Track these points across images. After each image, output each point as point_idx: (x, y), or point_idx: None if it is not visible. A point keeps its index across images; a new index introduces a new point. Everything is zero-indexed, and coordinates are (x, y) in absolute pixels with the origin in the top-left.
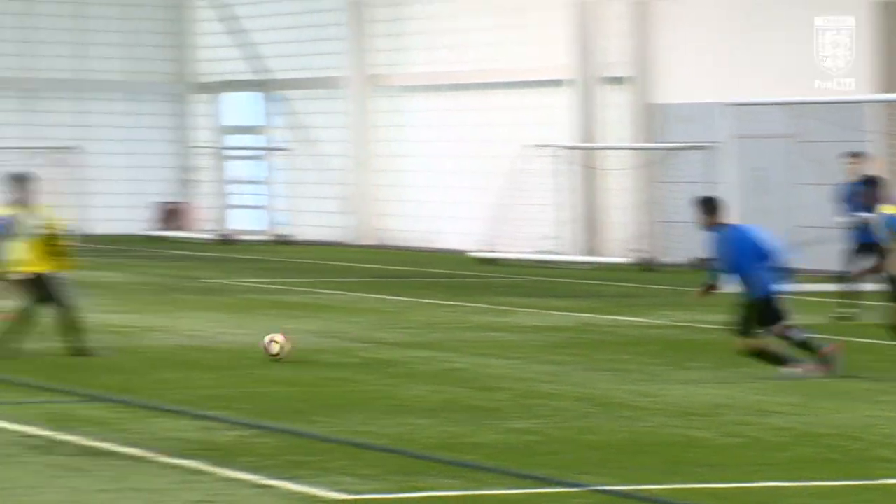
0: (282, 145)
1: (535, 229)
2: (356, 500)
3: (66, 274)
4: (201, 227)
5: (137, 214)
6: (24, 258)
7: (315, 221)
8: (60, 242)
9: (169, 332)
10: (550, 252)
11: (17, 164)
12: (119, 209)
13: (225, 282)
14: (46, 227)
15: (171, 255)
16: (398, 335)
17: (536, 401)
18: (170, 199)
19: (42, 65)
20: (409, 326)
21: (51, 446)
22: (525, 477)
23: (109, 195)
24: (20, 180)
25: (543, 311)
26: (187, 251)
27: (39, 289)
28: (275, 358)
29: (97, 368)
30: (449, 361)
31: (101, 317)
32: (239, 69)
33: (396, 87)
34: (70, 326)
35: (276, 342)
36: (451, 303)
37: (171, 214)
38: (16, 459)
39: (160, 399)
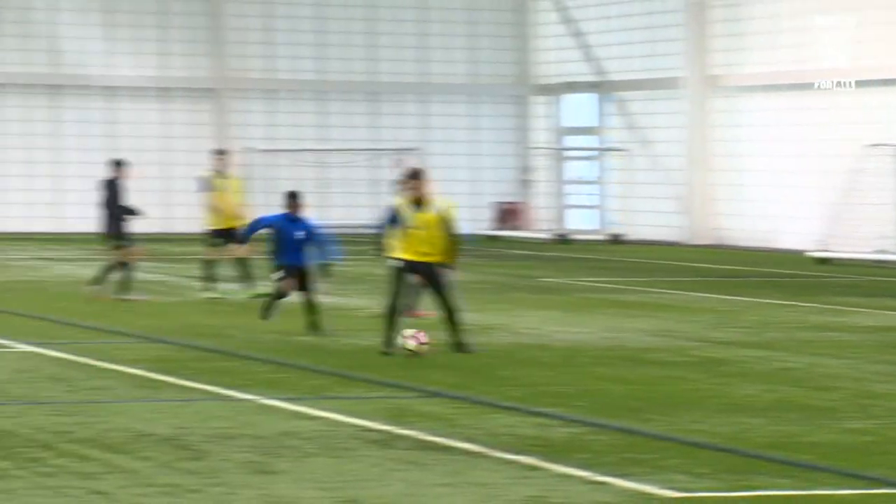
0: (618, 146)
1: (873, 229)
2: (690, 499)
3: (451, 268)
4: (538, 226)
5: (477, 214)
6: (407, 247)
7: (649, 221)
8: (451, 236)
9: (506, 331)
10: (888, 252)
11: (363, 166)
12: (459, 209)
13: (561, 280)
14: (438, 221)
15: (508, 255)
16: (733, 334)
17: (872, 401)
18: (508, 199)
19: (387, 69)
20: (744, 326)
21: (389, 440)
22: (860, 477)
23: (450, 195)
24: (414, 175)
25: (880, 312)
26: (524, 250)
27: (424, 279)
28: (411, 354)
29: (436, 365)
30: (783, 361)
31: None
32: (578, 71)
33: (735, 87)
34: (451, 321)
35: (414, 342)
36: (788, 302)
37: (509, 214)
38: (356, 453)
39: (496, 396)
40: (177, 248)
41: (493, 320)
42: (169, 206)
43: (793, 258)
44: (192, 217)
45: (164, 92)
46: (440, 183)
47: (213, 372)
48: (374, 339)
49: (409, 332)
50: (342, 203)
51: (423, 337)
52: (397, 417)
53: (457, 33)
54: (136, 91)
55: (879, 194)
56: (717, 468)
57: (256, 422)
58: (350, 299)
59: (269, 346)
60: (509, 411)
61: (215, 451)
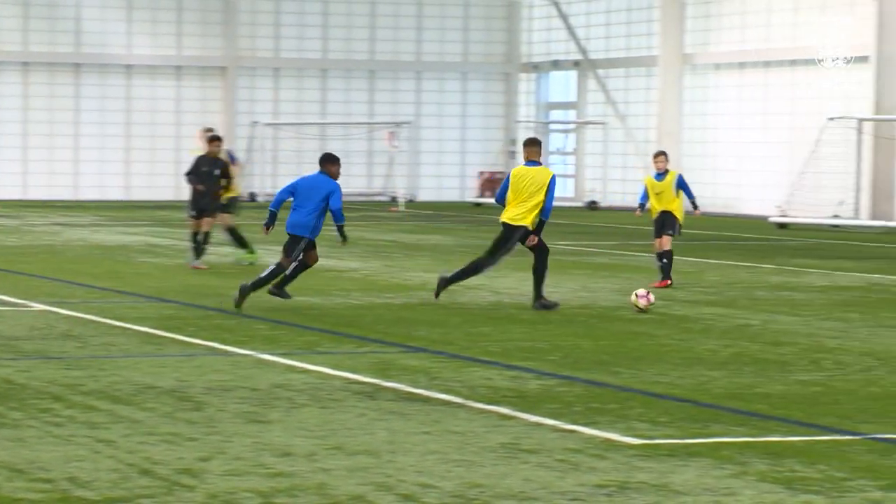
0: (596, 119)
1: (830, 196)
2: (650, 445)
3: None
4: None
5: (465, 183)
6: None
7: (623, 189)
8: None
9: (487, 290)
10: (843, 217)
11: (361, 138)
12: (448, 178)
13: None
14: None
15: (492, 221)
16: (696, 294)
17: (822, 355)
18: (494, 169)
19: (385, 48)
20: (706, 286)
21: (375, 392)
22: (808, 426)
23: (440, 165)
24: (532, 143)
25: (833, 272)
26: None
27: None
28: (642, 310)
29: (420, 322)
30: (742, 318)
31: (423, 276)
32: (561, 50)
33: (706, 65)
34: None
35: (644, 301)
36: (748, 264)
37: (495, 183)
38: (344, 404)
39: (475, 351)
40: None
41: (476, 281)
42: (179, 175)
43: (756, 223)
44: None
45: (177, 70)
46: (432, 154)
47: (214, 329)
48: (365, 299)
49: (641, 291)
50: (341, 173)
51: (652, 297)
52: (383, 371)
53: (450, 15)
54: (153, 70)
55: (838, 164)
56: (676, 417)
57: (252, 375)
58: (343, 262)
59: (267, 306)
60: (487, 365)
61: (213, 403)
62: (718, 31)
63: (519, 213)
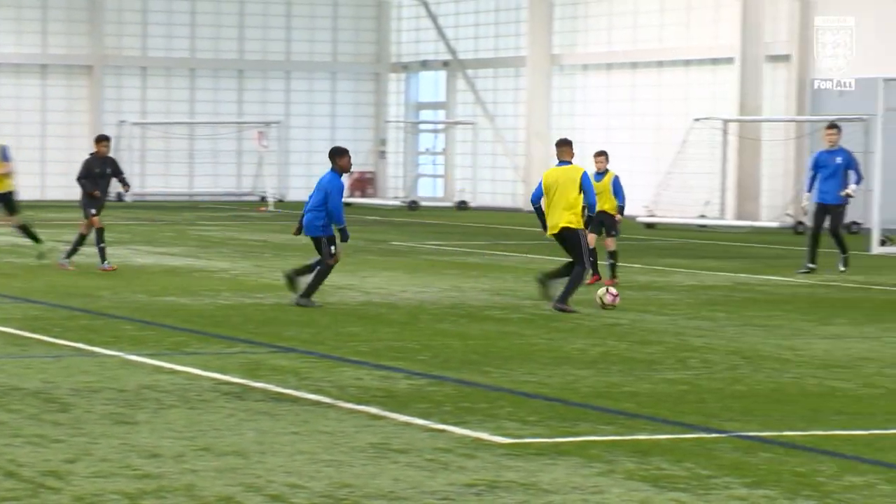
0: (465, 120)
1: (697, 196)
2: (519, 444)
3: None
4: (390, 194)
5: None
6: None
7: (493, 189)
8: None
9: (357, 290)
10: (709, 217)
11: (230, 138)
12: (318, 178)
13: (409, 244)
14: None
15: (362, 220)
16: None
17: (688, 353)
18: (363, 169)
19: (253, 48)
20: None
21: (244, 392)
22: (674, 424)
23: (310, 165)
24: (562, 143)
25: (699, 272)
26: (377, 216)
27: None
28: (607, 307)
29: (290, 323)
30: (610, 317)
31: None
32: (429, 50)
33: (574, 66)
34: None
35: (610, 298)
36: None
37: (364, 183)
38: (212, 404)
39: (345, 351)
40: (51, 215)
41: (345, 281)
42: (44, 175)
43: (624, 223)
44: (67, 186)
45: (43, 69)
46: (301, 153)
47: (81, 330)
48: (234, 299)
49: (613, 289)
50: (210, 173)
51: (618, 300)
52: (252, 371)
53: (320, 15)
54: (17, 68)
55: (704, 164)
56: (545, 416)
57: (119, 376)
58: (212, 262)
59: (135, 307)
60: (356, 365)
61: (80, 404)
62: (586, 32)
63: (554, 219)
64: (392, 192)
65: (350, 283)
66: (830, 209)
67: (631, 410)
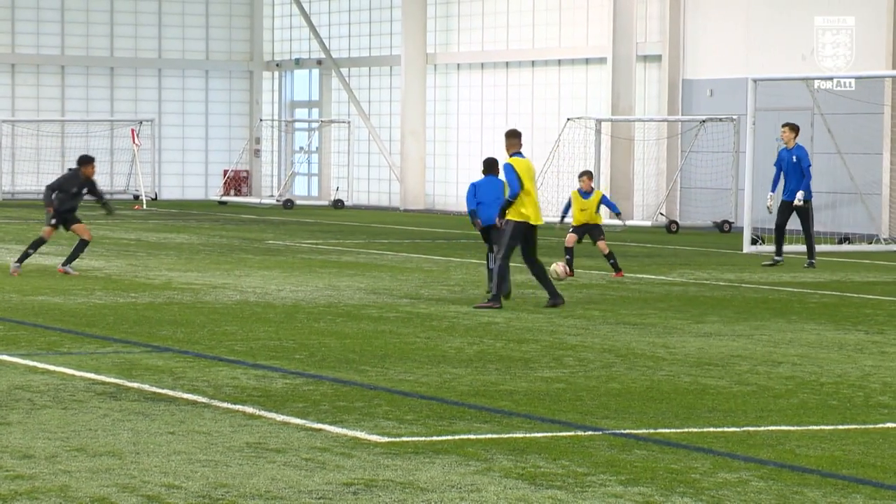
0: (340, 118)
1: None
2: (396, 443)
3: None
4: (265, 192)
5: (208, 182)
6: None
7: (368, 188)
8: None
9: (232, 289)
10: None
11: (102, 136)
12: (192, 176)
13: (285, 243)
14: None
15: (236, 219)
16: (441, 292)
17: (564, 352)
18: (237, 167)
19: (125, 45)
20: (450, 284)
21: (119, 392)
22: (551, 422)
23: (184, 164)
24: (516, 135)
25: (575, 270)
26: (252, 215)
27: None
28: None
29: (165, 322)
30: (486, 316)
31: (168, 275)
32: (304, 49)
33: (448, 65)
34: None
35: (562, 269)
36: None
37: (238, 181)
38: (87, 405)
39: (221, 350)
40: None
41: (220, 280)
42: None
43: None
44: None
45: None
46: (175, 152)
47: None
48: (108, 299)
49: (561, 263)
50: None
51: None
52: (126, 371)
53: (191, 12)
54: None
55: (577, 164)
56: (422, 415)
57: None
58: (85, 261)
59: (7, 306)
60: (232, 364)
61: None
62: (459, 31)
63: (536, 210)
64: (267, 191)
65: (225, 282)
66: (794, 207)
67: (508, 409)
